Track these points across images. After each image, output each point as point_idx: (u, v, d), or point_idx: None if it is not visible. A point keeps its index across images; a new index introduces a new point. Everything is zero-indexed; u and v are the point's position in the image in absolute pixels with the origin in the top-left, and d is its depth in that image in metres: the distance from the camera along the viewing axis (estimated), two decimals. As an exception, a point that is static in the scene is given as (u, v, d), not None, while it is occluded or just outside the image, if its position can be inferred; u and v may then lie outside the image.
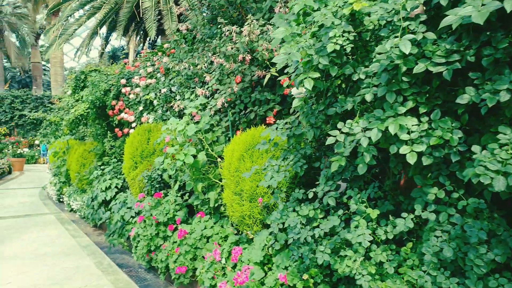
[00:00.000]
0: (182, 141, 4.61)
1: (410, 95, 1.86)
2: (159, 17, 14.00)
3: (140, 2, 13.02)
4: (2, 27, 30.06)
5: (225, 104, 4.40)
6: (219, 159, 4.30)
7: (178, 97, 5.95)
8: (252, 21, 3.55)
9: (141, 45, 18.13)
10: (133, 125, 7.13)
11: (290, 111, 3.97)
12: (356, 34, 1.99)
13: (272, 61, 2.08)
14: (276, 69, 3.31)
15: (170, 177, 5.09)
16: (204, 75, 4.60)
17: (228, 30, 3.81)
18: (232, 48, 3.85)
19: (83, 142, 9.37)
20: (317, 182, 2.49)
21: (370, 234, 2.03)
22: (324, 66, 1.96)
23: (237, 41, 3.79)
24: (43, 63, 34.97)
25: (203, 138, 4.38)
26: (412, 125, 1.78)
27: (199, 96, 4.47)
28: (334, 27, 1.95)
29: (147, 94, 6.75)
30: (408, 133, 1.78)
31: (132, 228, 5.30)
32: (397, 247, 2.16)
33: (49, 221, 7.90)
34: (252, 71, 4.43)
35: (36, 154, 23.57)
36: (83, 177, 8.20)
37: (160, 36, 16.24)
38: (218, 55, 3.97)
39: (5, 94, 25.90)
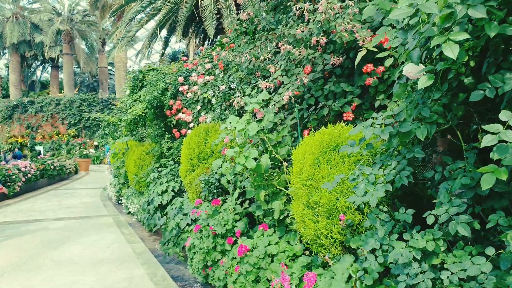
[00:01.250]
0: (242, 142, 4.06)
1: None
2: (218, 16, 13.75)
3: (199, 0, 12.83)
4: (73, 34, 32.04)
5: (292, 99, 3.77)
6: (284, 163, 3.67)
7: (237, 94, 5.44)
8: (331, -7, 2.89)
9: (201, 47, 18.12)
10: (191, 125, 6.76)
11: (375, 105, 3.25)
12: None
13: (389, 17, 1.44)
14: (369, 45, 2.61)
15: (228, 182, 4.56)
16: (267, 67, 4.01)
17: (299, 9, 3.18)
18: (302, 31, 3.22)
19: (142, 143, 9.25)
20: (435, 200, 1.76)
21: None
22: (474, 24, 1.25)
23: (309, 20, 3.15)
24: (109, 67, 36.81)
25: (266, 138, 3.78)
26: None
27: (261, 90, 3.89)
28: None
29: (205, 92, 6.33)
30: None
31: (188, 237, 4.85)
32: None
33: (107, 223, 7.79)
34: (325, 59, 3.76)
35: (101, 154, 24.64)
36: (140, 179, 8.01)
37: (218, 36, 16.04)
38: (286, 40, 3.36)
39: (74, 98, 27.49)
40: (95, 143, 23.17)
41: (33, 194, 12.26)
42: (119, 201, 10.12)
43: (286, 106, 4.38)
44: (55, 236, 6.67)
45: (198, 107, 6.43)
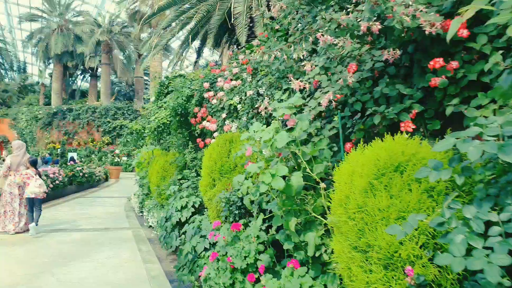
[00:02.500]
0: (269, 155, 3.35)
1: None
2: (251, 24, 13.27)
3: (232, 7, 12.39)
4: (112, 45, 32.79)
5: (333, 104, 3.03)
6: (321, 184, 2.92)
7: (266, 100, 4.76)
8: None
9: (229, 52, 17.74)
10: (215, 134, 6.14)
11: (445, 112, 2.45)
12: None
13: None
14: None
15: (252, 202, 3.85)
16: (303, 65, 3.32)
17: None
18: (348, 14, 2.51)
19: (166, 153, 8.75)
20: None
21: None
22: None
23: (357, 2, 2.44)
24: (145, 78, 37.36)
25: (299, 152, 3.04)
26: None
27: (290, 92, 3.19)
28: None
29: (231, 99, 5.70)
30: None
31: (204, 264, 4.18)
32: None
33: (126, 238, 7.26)
34: (374, 55, 3.01)
35: (134, 162, 24.59)
36: (162, 191, 7.46)
37: (251, 44, 15.53)
38: (327, 29, 2.66)
39: (110, 106, 27.90)
40: (117, 151, 23.15)
41: (60, 201, 12.06)
42: (142, 213, 9.64)
43: (323, 113, 3.65)
44: (69, 250, 6.20)
45: (224, 115, 5.80)
